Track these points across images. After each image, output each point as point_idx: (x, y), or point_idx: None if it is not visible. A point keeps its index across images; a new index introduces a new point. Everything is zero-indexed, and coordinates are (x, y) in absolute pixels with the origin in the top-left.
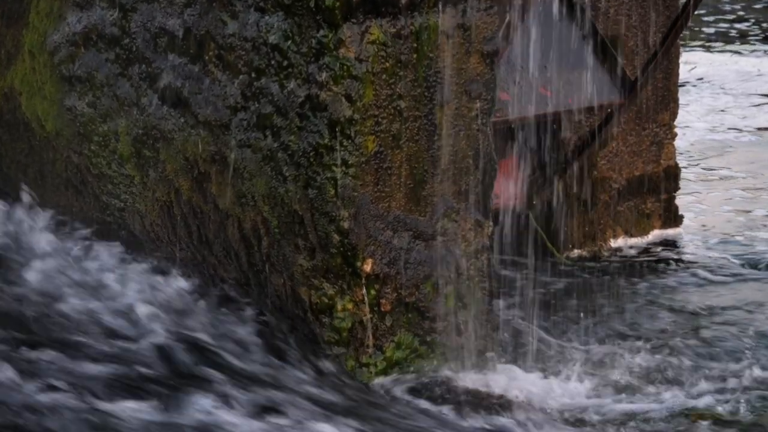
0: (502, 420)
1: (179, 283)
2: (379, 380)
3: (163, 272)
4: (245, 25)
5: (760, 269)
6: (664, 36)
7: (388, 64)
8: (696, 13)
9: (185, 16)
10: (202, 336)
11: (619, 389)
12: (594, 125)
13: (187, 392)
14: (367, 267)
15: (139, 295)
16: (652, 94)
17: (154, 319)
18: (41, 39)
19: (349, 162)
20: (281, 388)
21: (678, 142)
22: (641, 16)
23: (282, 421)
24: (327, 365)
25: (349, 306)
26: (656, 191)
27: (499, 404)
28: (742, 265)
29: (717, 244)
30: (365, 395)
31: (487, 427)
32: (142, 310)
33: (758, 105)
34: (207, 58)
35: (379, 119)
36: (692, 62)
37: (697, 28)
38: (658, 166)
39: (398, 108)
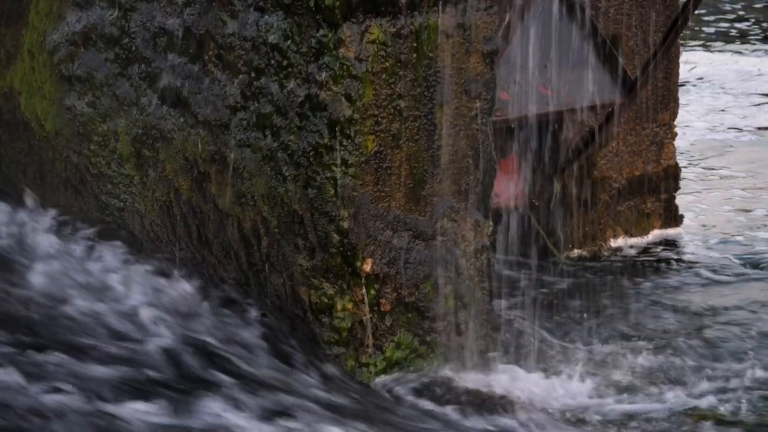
0: (505, 420)
1: (182, 284)
2: (380, 380)
3: (166, 273)
4: (245, 24)
5: (761, 269)
6: (664, 35)
7: (387, 64)
8: (696, 12)
9: (185, 15)
10: (207, 338)
11: (621, 389)
12: (594, 125)
13: (195, 395)
14: (367, 267)
15: (144, 297)
16: (652, 94)
17: (158, 322)
18: (41, 38)
19: (349, 162)
20: (288, 391)
21: (678, 142)
22: (641, 15)
23: (292, 424)
24: (331, 368)
25: (349, 306)
26: (656, 191)
27: (501, 405)
28: (743, 265)
29: (717, 243)
30: (371, 398)
31: (490, 427)
32: (147, 312)
33: (758, 104)
34: (206, 57)
35: (379, 119)
36: (692, 62)
37: (697, 28)
38: (658, 165)
39: (398, 108)
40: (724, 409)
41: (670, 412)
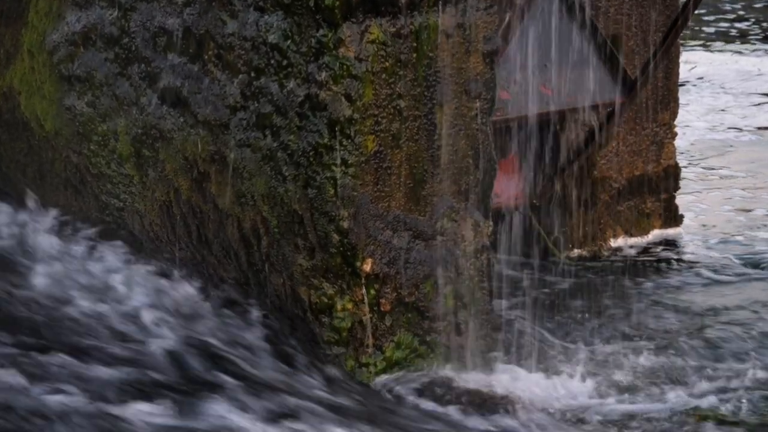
0: (506, 420)
1: (184, 285)
2: (381, 380)
3: (168, 274)
4: (245, 24)
5: (761, 268)
6: (664, 35)
7: (387, 64)
8: (696, 12)
9: (184, 15)
10: (210, 340)
11: (623, 389)
12: (594, 124)
13: (199, 397)
14: (367, 267)
15: (146, 297)
16: (652, 94)
17: (160, 323)
18: (40, 38)
19: (349, 161)
20: (292, 392)
21: (678, 142)
22: (641, 15)
23: (297, 425)
24: (334, 369)
25: (349, 306)
26: (656, 191)
27: (502, 405)
28: (744, 265)
29: (717, 243)
30: (374, 399)
31: (491, 428)
32: (149, 313)
33: (758, 104)
34: (206, 57)
35: (379, 119)
36: (692, 62)
37: (697, 28)
38: (658, 165)
39: (398, 107)
40: (725, 409)
41: (672, 412)
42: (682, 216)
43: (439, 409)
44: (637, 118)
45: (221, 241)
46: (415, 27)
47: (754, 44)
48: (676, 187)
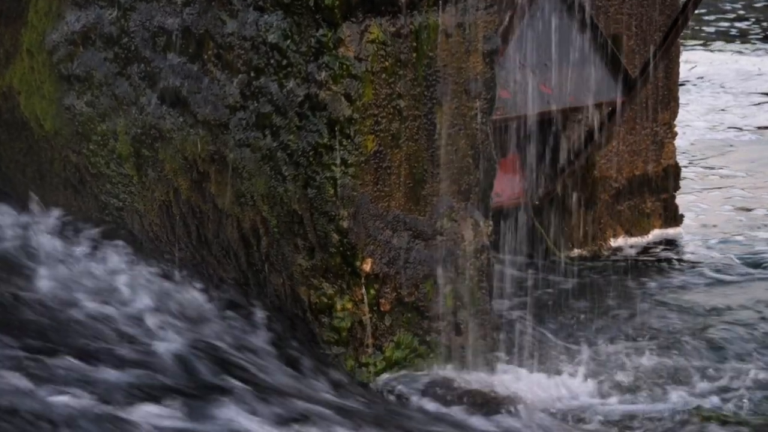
0: (508, 420)
1: (187, 286)
2: (382, 380)
3: (171, 275)
4: (244, 24)
5: (762, 268)
6: (664, 35)
7: (387, 63)
8: (696, 11)
9: (184, 15)
10: (215, 341)
11: (624, 390)
12: (595, 124)
13: (208, 400)
14: (367, 266)
15: (150, 299)
16: (653, 93)
17: (165, 325)
18: (40, 38)
19: (349, 161)
20: (300, 395)
21: (678, 141)
22: (641, 15)
23: (307, 429)
24: (339, 372)
25: (349, 305)
26: (656, 190)
27: (505, 405)
28: (744, 265)
29: (718, 243)
30: (379, 401)
31: (493, 428)
32: (154, 314)
33: (758, 104)
34: (206, 57)
35: (379, 118)
36: (692, 61)
37: (697, 27)
38: (658, 165)
39: (398, 107)
40: (727, 409)
41: (674, 412)
42: (682, 216)
43: (442, 409)
44: (638, 117)
45: (221, 241)
46: (415, 26)
47: (755, 44)
48: (677, 187)
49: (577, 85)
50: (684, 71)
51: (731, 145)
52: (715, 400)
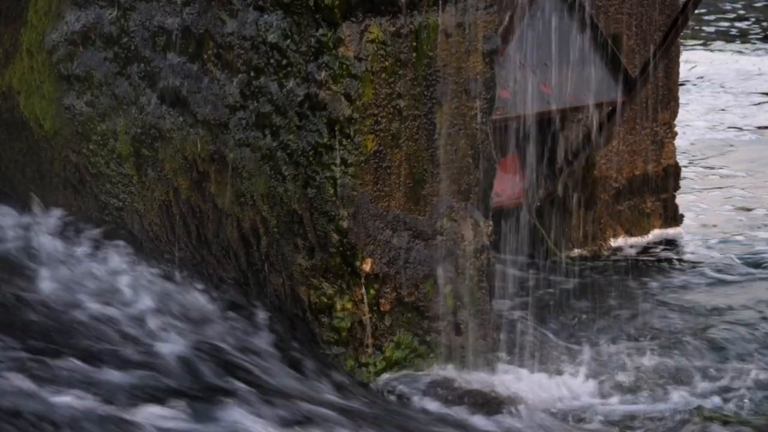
0: (509, 421)
1: (189, 287)
2: (384, 380)
3: (173, 276)
4: (244, 23)
5: (762, 268)
6: (664, 35)
7: (387, 63)
8: (696, 11)
9: (184, 14)
10: (219, 344)
11: (626, 390)
12: (594, 124)
13: (212, 402)
14: (367, 266)
15: (152, 300)
16: (653, 93)
17: (169, 327)
18: (39, 38)
19: (349, 161)
20: (303, 397)
21: (678, 141)
22: (642, 14)
23: (311, 430)
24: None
25: (349, 305)
26: (656, 190)
27: (506, 405)
28: (744, 265)
29: (718, 243)
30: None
31: (495, 429)
32: (156, 315)
33: (758, 104)
34: (206, 56)
35: (379, 118)
36: (692, 61)
37: (697, 27)
38: (658, 165)
39: (397, 107)
40: (729, 409)
41: (675, 412)
42: (682, 216)
43: (443, 409)
44: (638, 117)
45: (221, 240)
46: (415, 26)
47: (755, 43)
48: (677, 187)
49: (577, 84)
50: (684, 71)
51: (731, 145)
52: (716, 400)
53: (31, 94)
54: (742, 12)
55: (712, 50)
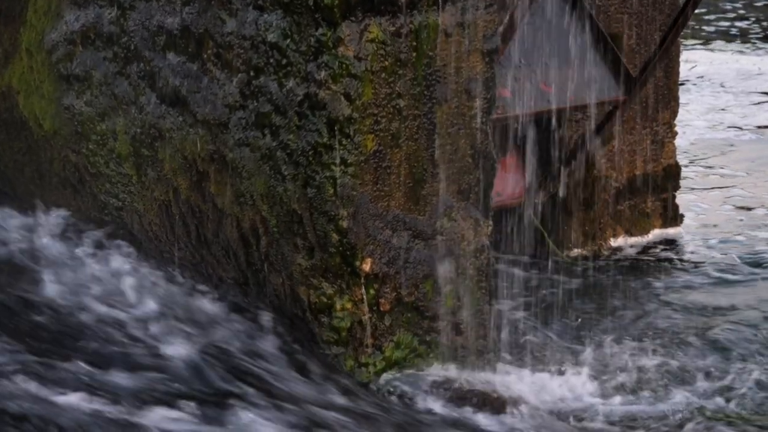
0: (510, 421)
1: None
2: (382, 380)
3: (176, 278)
4: (244, 23)
5: (763, 268)
6: (665, 34)
7: (387, 63)
8: (696, 11)
9: (184, 14)
10: (224, 346)
11: (628, 390)
12: (595, 123)
13: (221, 405)
14: (366, 266)
15: (155, 301)
16: (653, 93)
17: (174, 330)
18: (39, 37)
19: (348, 161)
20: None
21: (678, 141)
22: (642, 14)
23: None
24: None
25: (348, 305)
26: (656, 190)
27: (507, 405)
28: (745, 264)
29: (718, 243)
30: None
31: (495, 428)
32: (161, 318)
33: (758, 103)
34: (205, 56)
35: (378, 118)
36: (693, 61)
37: (697, 27)
38: (658, 164)
39: (397, 107)
40: (731, 409)
41: (677, 412)
42: (682, 215)
43: (444, 409)
44: (638, 117)
45: (220, 240)
46: (415, 26)
47: (755, 43)
48: (677, 187)
49: (577, 84)
50: (684, 71)
51: (731, 145)
52: (718, 400)
53: (30, 94)
54: (742, 12)
55: (712, 50)
